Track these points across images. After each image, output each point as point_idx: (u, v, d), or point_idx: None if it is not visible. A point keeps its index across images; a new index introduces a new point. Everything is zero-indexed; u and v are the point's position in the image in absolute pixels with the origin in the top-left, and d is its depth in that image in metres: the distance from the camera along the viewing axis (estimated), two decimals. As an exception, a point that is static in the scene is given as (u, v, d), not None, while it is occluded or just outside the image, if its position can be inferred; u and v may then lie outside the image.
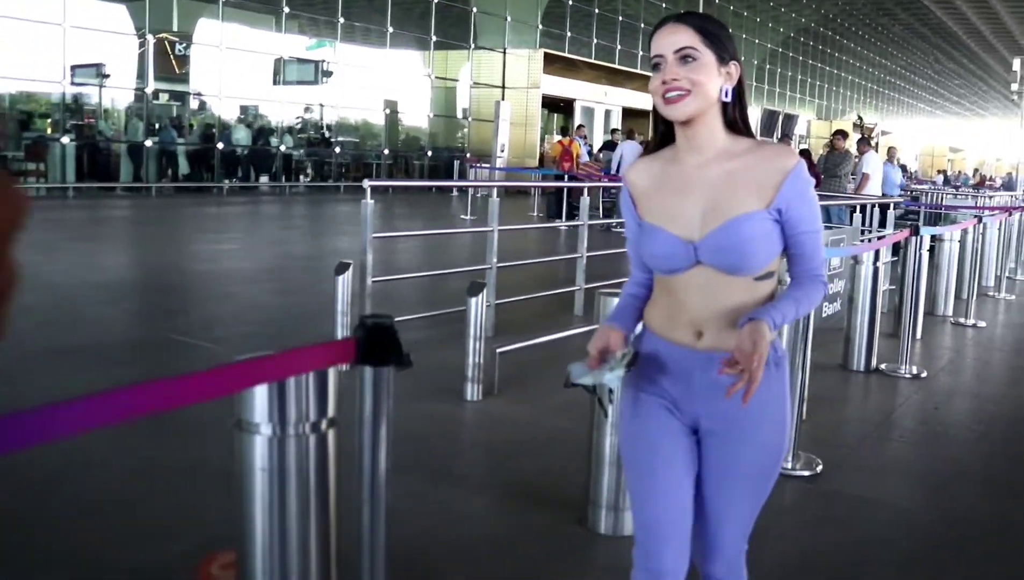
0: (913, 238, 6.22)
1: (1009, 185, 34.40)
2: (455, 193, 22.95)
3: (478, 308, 5.06)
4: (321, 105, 22.76)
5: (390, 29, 23.26)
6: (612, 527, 3.40)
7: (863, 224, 9.35)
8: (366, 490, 1.79)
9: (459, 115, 26.39)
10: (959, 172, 49.42)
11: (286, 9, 20.79)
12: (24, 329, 6.32)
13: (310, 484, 2.07)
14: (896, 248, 7.61)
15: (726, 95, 1.95)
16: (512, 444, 4.53)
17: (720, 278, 1.95)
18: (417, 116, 25.54)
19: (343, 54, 22.63)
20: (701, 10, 32.11)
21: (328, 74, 22.05)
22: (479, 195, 22.23)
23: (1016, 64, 25.15)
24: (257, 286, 9.02)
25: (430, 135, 25.80)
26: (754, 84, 41.57)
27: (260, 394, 2.02)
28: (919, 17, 50.68)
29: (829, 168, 12.77)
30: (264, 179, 21.55)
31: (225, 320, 7.37)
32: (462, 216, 17.12)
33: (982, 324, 8.44)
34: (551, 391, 5.22)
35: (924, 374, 6.27)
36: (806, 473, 4.12)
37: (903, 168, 24.27)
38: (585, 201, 8.35)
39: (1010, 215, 11.70)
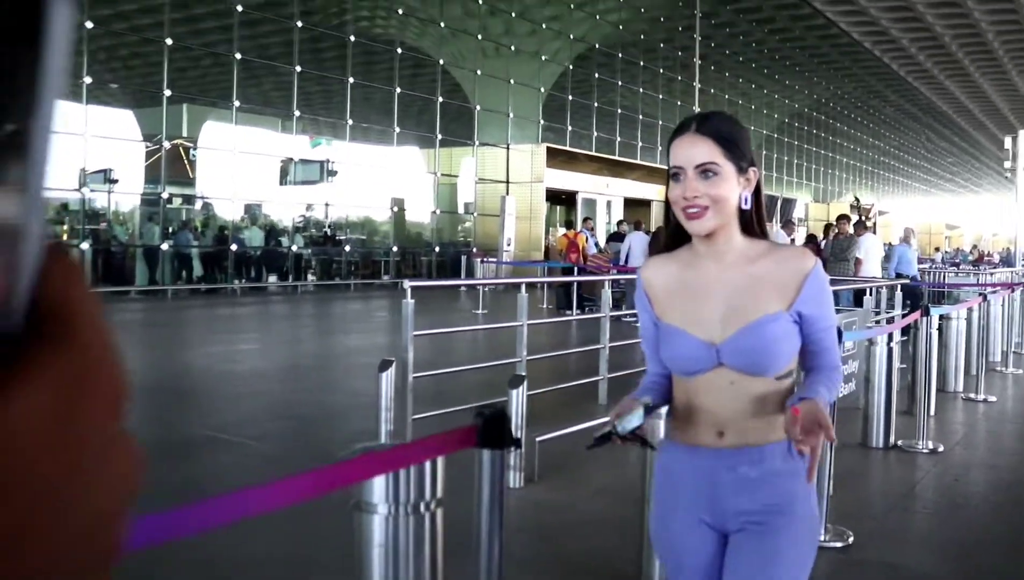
0: (924, 318, 6.57)
1: (1008, 261, 34.91)
2: (463, 288, 23.43)
3: (518, 400, 5.38)
4: (327, 205, 23.36)
5: (396, 129, 23.99)
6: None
7: (875, 306, 9.72)
8: (483, 561, 2.10)
9: (463, 210, 26.98)
10: (957, 249, 50.11)
11: (296, 113, 21.50)
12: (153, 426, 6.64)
13: (424, 558, 2.38)
14: (906, 327, 7.95)
15: (745, 202, 1.99)
16: (559, 527, 4.80)
17: (742, 379, 1.99)
18: (423, 213, 26.16)
19: (350, 153, 23.29)
20: (697, 101, 33.15)
21: (334, 173, 22.68)
22: (487, 289, 22.75)
23: (1008, 142, 25.84)
24: (283, 384, 9.35)
25: (436, 231, 26.39)
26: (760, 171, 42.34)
27: (379, 479, 2.34)
28: (909, 98, 51.93)
29: (836, 252, 13.21)
30: (273, 278, 22.04)
31: (258, 418, 7.66)
32: (474, 310, 17.47)
33: (992, 398, 8.74)
34: (590, 476, 5.53)
35: (941, 448, 6.56)
36: (838, 544, 4.40)
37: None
38: (607, 294, 8.69)
39: (1012, 291, 12.08)
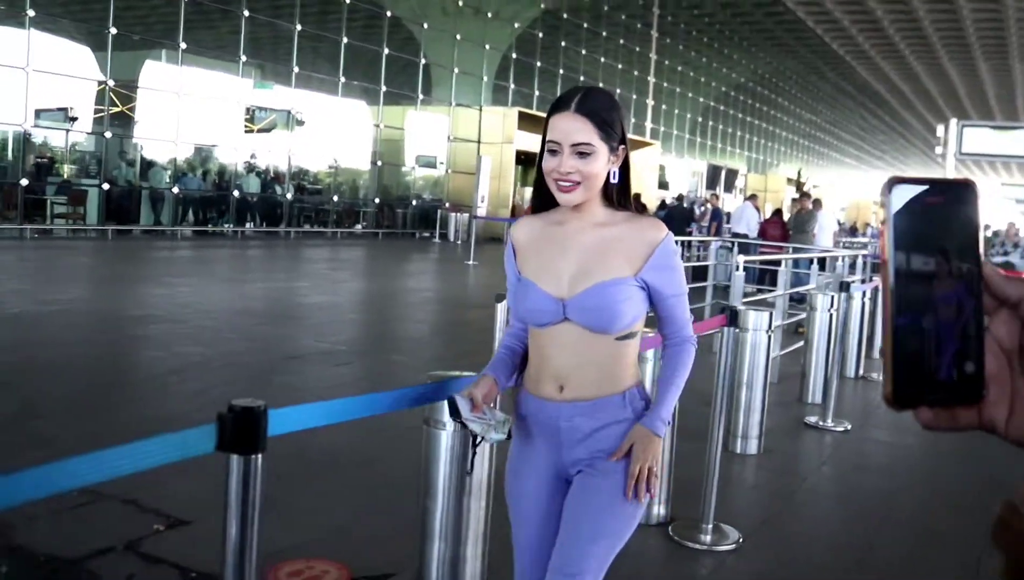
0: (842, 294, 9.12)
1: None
2: (437, 239, 25.79)
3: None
4: (315, 159, 25.32)
5: (383, 88, 26.01)
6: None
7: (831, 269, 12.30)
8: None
9: (438, 167, 29.05)
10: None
11: (296, 69, 23.34)
12: (256, 343, 8.93)
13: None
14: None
15: (614, 177, 2.16)
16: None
17: (585, 335, 2.13)
18: (400, 168, 28.25)
19: (343, 110, 25.22)
20: (654, 63, 35.76)
21: (301, 124, 24.17)
22: (459, 241, 25.27)
23: (940, 130, 28.80)
24: (365, 314, 11.63)
25: (415, 186, 28.57)
26: (697, 139, 45.22)
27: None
28: (845, 76, 55.09)
29: (798, 225, 15.82)
30: (258, 224, 23.73)
31: (359, 338, 9.94)
32: (466, 261, 19.60)
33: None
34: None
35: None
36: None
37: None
38: None
39: None
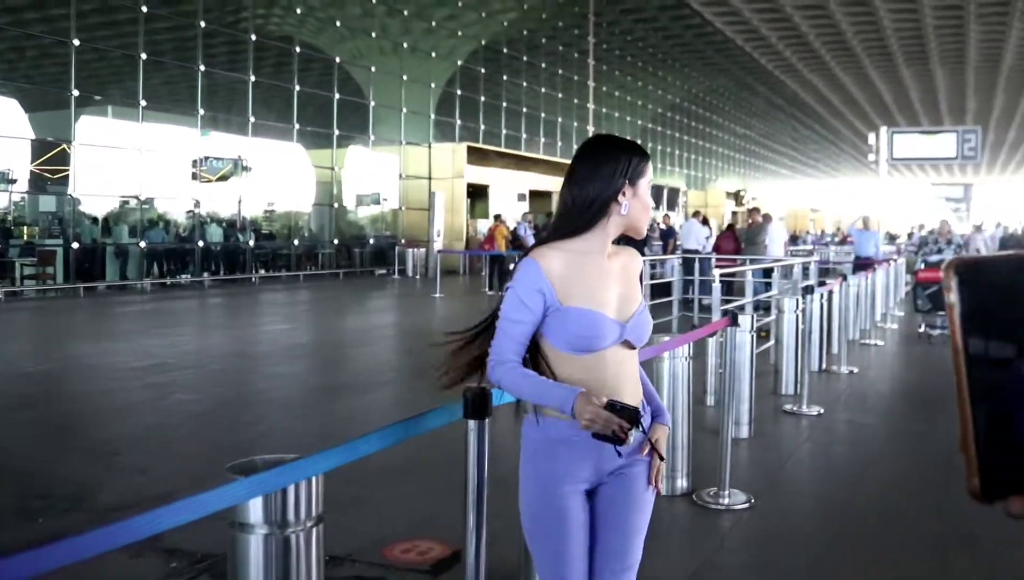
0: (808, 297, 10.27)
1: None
2: (396, 275, 26.75)
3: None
4: (272, 204, 26.19)
5: (336, 132, 27.02)
6: None
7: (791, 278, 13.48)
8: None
9: (391, 206, 29.99)
10: (821, 231, 55.76)
11: (252, 119, 24.20)
12: (279, 381, 9.82)
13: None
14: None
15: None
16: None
17: (625, 354, 2.42)
18: (355, 208, 29.21)
19: (301, 157, 26.20)
20: (592, 98, 37.16)
21: (248, 169, 24.59)
22: (417, 276, 26.24)
23: (871, 138, 30.48)
24: (360, 349, 12.56)
25: (370, 225, 29.55)
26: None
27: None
28: (776, 90, 57.24)
29: (750, 238, 17.05)
30: (222, 272, 24.36)
31: (415, 367, 10.87)
32: (433, 294, 20.52)
33: (880, 343, 12.63)
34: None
35: (857, 370, 10.31)
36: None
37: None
38: None
39: (874, 270, 15.48)
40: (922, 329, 13.66)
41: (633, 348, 2.44)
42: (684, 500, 5.45)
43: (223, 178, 24.48)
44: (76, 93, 19.83)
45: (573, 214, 2.42)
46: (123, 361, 10.70)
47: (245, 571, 2.41)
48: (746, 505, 5.35)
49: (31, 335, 13.87)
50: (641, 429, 2.31)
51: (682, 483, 5.57)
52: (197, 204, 23.39)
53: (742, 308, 10.77)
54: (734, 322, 5.44)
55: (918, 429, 7.69)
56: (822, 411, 8.01)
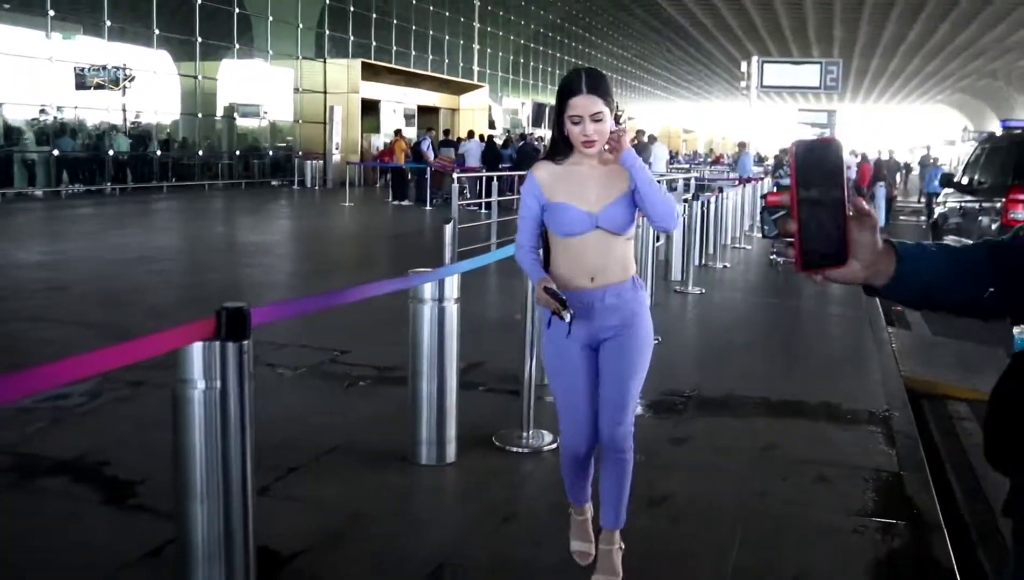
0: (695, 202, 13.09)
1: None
2: (296, 186, 28.75)
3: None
4: (178, 115, 27.72)
5: (236, 45, 28.62)
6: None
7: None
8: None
9: (289, 118, 31.75)
10: (694, 151, 59.41)
11: (199, 38, 25.62)
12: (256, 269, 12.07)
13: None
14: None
15: (612, 127, 3.17)
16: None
17: (607, 238, 3.22)
18: (253, 120, 30.91)
19: (202, 71, 27.71)
20: (477, 8, 39.29)
21: (133, 79, 25.62)
22: (316, 187, 28.35)
23: (744, 66, 33.51)
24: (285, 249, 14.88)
25: (267, 137, 31.32)
26: (510, 77, 49.13)
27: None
28: (652, 12, 60.19)
29: (636, 157, 19.85)
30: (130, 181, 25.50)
31: (371, 257, 13.24)
32: (342, 203, 22.76)
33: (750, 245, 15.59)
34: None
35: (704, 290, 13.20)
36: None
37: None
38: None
39: (744, 186, 18.63)
40: (773, 257, 13.75)
41: (617, 234, 3.23)
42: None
43: (108, 85, 25.07)
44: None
45: (551, 142, 3.38)
46: (111, 255, 12.80)
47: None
48: (655, 341, 8.08)
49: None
50: (570, 313, 3.08)
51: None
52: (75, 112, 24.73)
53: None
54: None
55: (770, 301, 10.65)
56: (703, 291, 10.83)
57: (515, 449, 5.09)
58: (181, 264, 12.49)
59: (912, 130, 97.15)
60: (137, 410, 5.50)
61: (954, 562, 3.86)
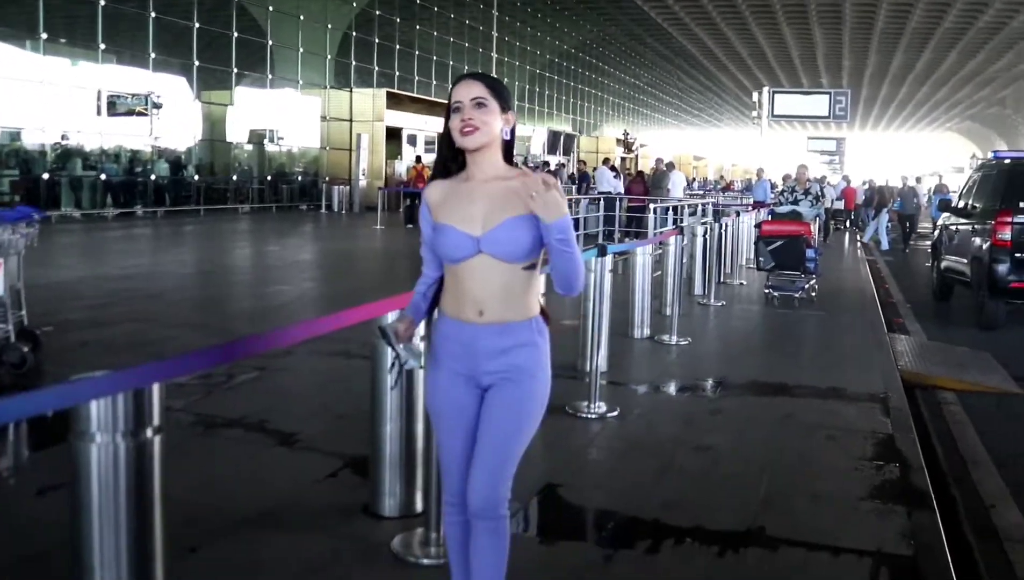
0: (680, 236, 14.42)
1: (750, 189, 44.83)
2: (324, 210, 30.15)
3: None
4: (210, 140, 29.23)
5: (269, 76, 30.18)
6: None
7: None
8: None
9: (316, 145, 33.21)
10: (705, 178, 60.80)
11: (197, 62, 27.16)
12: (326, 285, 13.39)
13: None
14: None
15: (506, 134, 2.85)
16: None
17: (496, 265, 2.78)
18: (282, 147, 32.45)
19: (239, 98, 29.26)
20: (495, 46, 40.86)
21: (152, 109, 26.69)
22: (343, 211, 29.72)
23: (755, 96, 34.97)
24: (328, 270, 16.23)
25: (293, 163, 32.82)
26: (525, 105, 50.64)
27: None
28: (663, 42, 61.74)
29: (655, 183, 21.24)
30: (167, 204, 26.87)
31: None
32: (373, 226, 24.10)
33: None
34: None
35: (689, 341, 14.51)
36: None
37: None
38: None
39: (758, 212, 19.76)
40: (768, 291, 12.75)
41: (508, 262, 2.79)
42: (649, 340, 9.42)
43: (129, 113, 26.28)
44: None
45: (437, 153, 2.99)
46: (184, 270, 14.14)
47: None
48: (688, 341, 9.38)
49: (83, 254, 16.87)
50: (398, 349, 2.92)
51: (645, 331, 9.52)
52: (156, 138, 26.24)
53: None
54: (681, 232, 9.42)
55: (784, 312, 11.85)
56: (724, 303, 12.14)
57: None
58: (247, 277, 13.92)
59: (922, 157, 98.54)
60: (269, 386, 6.83)
61: (931, 490, 5.15)
